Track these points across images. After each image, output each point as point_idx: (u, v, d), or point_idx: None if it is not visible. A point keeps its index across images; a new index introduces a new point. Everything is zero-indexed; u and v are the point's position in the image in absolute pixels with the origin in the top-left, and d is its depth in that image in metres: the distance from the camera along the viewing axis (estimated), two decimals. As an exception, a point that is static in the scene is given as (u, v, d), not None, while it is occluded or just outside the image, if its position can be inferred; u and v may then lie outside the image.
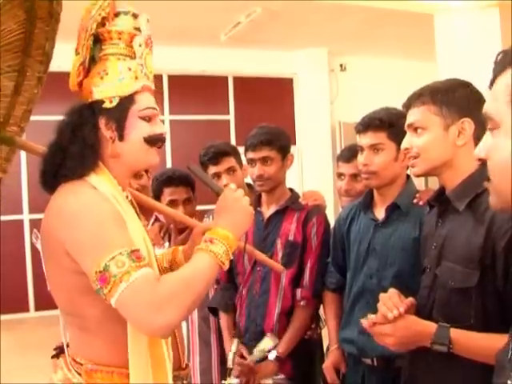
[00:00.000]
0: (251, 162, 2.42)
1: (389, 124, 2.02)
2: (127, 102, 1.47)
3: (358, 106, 8.24)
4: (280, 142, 2.43)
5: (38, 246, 2.59)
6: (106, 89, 1.46)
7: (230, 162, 2.68)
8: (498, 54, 0.97)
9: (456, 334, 1.45)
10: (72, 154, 1.44)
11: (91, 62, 1.49)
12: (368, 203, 2.16)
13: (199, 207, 2.85)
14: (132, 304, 1.28)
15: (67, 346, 1.53)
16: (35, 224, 6.97)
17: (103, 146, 1.48)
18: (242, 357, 2.37)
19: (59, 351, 1.55)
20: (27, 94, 1.64)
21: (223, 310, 2.56)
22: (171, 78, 7.82)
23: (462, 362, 1.45)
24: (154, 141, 1.52)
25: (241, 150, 2.69)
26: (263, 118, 7.76)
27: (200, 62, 7.76)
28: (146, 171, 2.61)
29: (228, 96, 8.39)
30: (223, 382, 2.29)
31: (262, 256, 1.96)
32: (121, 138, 1.48)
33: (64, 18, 1.54)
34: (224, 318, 2.55)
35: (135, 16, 1.51)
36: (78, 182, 1.43)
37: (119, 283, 1.27)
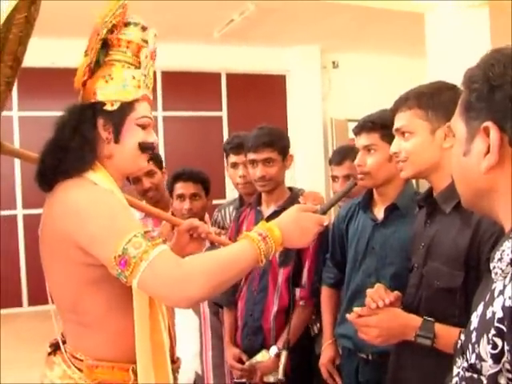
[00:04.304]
0: (253, 162, 2.46)
1: (381, 125, 2.06)
2: (127, 107, 1.55)
3: (349, 103, 8.39)
4: (281, 143, 2.48)
5: None
6: (110, 92, 1.54)
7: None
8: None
9: (440, 328, 1.51)
10: (73, 150, 1.50)
11: (95, 65, 1.56)
12: (367, 202, 2.20)
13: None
14: (155, 280, 1.35)
15: (63, 342, 1.58)
16: (29, 219, 7.03)
17: (99, 145, 1.55)
18: (240, 361, 2.44)
19: (55, 348, 1.59)
20: None
21: (226, 306, 2.62)
22: (164, 74, 7.81)
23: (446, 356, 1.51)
24: (147, 148, 1.61)
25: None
26: (256, 114, 7.82)
27: (193, 59, 7.77)
28: None
29: (221, 92, 8.38)
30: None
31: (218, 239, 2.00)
32: (116, 140, 1.56)
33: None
34: (227, 317, 2.60)
35: (144, 28, 1.60)
36: (77, 179, 1.49)
37: (140, 263, 1.33)
